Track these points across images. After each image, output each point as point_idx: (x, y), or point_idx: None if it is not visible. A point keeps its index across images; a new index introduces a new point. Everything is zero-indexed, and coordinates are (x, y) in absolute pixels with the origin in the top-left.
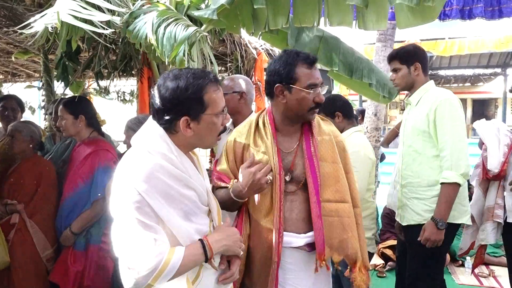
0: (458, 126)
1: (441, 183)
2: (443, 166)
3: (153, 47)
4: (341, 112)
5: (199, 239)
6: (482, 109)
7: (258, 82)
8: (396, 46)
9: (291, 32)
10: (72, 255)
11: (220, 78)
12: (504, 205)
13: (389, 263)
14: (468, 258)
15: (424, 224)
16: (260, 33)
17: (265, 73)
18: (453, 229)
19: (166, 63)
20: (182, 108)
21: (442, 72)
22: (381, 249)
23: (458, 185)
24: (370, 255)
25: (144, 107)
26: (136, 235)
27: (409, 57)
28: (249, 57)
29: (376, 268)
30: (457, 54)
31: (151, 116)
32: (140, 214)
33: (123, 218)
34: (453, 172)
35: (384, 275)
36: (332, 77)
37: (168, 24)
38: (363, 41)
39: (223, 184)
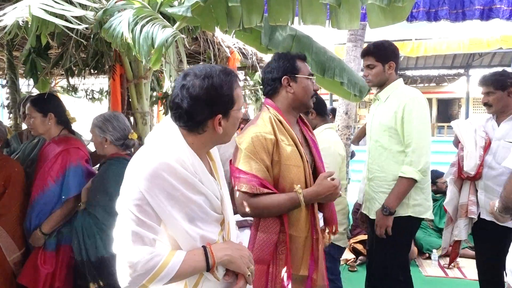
0: (424, 125)
1: (399, 176)
2: (404, 161)
3: (128, 46)
4: (315, 109)
5: (202, 246)
6: (446, 109)
7: None
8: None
9: (265, 31)
10: (42, 256)
11: None
12: (477, 201)
13: (360, 257)
14: (434, 250)
15: None
16: (233, 31)
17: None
18: (417, 223)
19: (143, 62)
20: (217, 106)
21: (409, 72)
22: (352, 244)
23: (414, 180)
24: (342, 249)
25: (117, 104)
26: (134, 233)
27: (385, 55)
28: (222, 56)
29: (347, 263)
30: (423, 55)
31: (168, 116)
32: (139, 213)
33: (123, 215)
34: (412, 167)
35: (355, 269)
36: None
37: (145, 24)
38: (334, 41)
39: (266, 190)
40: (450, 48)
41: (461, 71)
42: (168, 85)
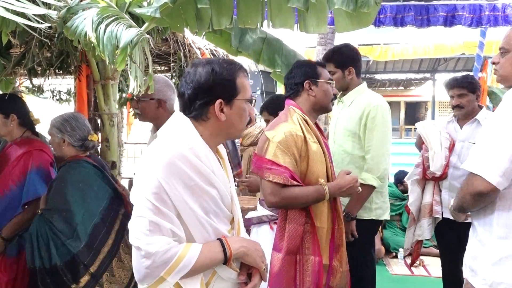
0: (384, 133)
1: (363, 184)
2: (364, 167)
3: (92, 45)
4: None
5: (218, 238)
6: (414, 111)
7: None
8: None
9: (235, 33)
10: (3, 263)
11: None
12: (441, 201)
13: None
14: (401, 249)
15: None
16: (204, 33)
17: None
18: (378, 224)
19: (107, 62)
20: (216, 90)
21: (378, 76)
22: None
23: (373, 187)
24: None
25: (83, 106)
26: (152, 222)
27: (344, 62)
28: (193, 57)
29: None
30: (391, 59)
31: (177, 110)
32: (156, 201)
33: (140, 204)
34: (371, 174)
35: None
36: (275, 78)
37: (109, 23)
38: (305, 45)
39: (295, 183)
40: (416, 53)
41: (428, 75)
42: (133, 86)
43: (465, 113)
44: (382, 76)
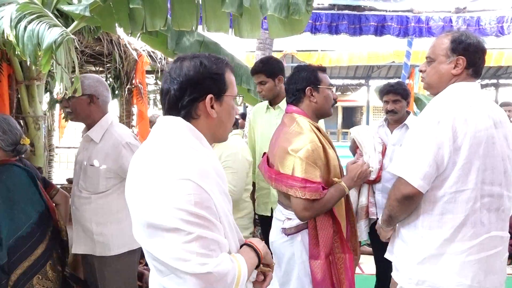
0: None
1: None
2: None
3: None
4: None
5: (245, 244)
6: (350, 116)
7: (139, 85)
8: (275, 55)
9: (171, 35)
10: None
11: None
12: (375, 202)
13: None
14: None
15: None
16: (139, 34)
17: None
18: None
19: (28, 63)
20: (206, 84)
21: None
22: None
23: None
24: None
25: (4, 107)
26: (212, 241)
27: (274, 71)
28: (129, 59)
29: None
30: (328, 65)
31: (162, 115)
32: (203, 210)
33: (175, 224)
34: None
35: None
36: None
37: (31, 21)
38: (245, 49)
39: (325, 192)
40: (351, 60)
41: (362, 81)
42: (58, 89)
43: (398, 118)
44: None
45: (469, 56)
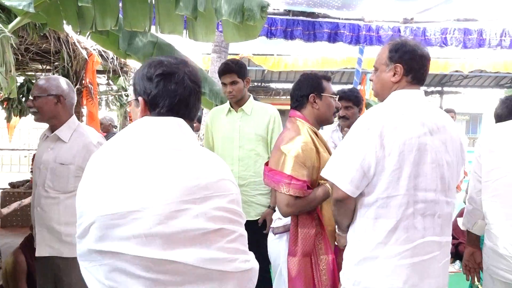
0: None
1: None
2: None
3: None
4: None
5: None
6: None
7: (90, 85)
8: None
9: (123, 36)
10: None
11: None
12: None
13: None
14: None
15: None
16: (88, 33)
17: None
18: None
19: None
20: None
21: (273, 85)
22: None
23: None
24: None
25: None
26: (243, 234)
27: (244, 72)
28: (78, 58)
29: None
30: (284, 70)
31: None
32: (239, 207)
33: (222, 220)
34: None
35: None
36: None
37: None
38: (201, 51)
39: (310, 191)
40: (306, 65)
41: None
42: None
43: (349, 124)
44: (277, 85)
45: (406, 63)
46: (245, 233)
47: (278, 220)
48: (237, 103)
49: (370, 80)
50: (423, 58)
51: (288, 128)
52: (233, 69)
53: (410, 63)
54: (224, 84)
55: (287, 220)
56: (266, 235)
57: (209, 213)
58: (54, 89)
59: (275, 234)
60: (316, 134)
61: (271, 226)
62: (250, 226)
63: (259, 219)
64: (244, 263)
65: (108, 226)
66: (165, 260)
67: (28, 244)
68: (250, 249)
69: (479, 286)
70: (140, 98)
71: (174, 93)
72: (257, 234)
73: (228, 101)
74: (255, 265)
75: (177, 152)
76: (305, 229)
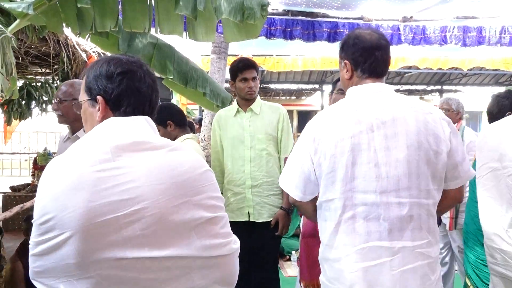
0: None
1: None
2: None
3: None
4: (173, 121)
5: None
6: (305, 120)
7: None
8: (230, 59)
9: (123, 37)
10: None
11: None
12: None
13: None
14: (293, 252)
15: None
16: (88, 35)
17: None
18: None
19: None
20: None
21: (272, 86)
22: None
23: None
24: None
25: None
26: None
27: (258, 69)
28: (78, 60)
29: None
30: (283, 70)
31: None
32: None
33: (216, 208)
34: None
35: None
36: (167, 85)
37: None
38: (200, 52)
39: None
40: (305, 65)
41: (317, 86)
42: None
43: None
44: (276, 86)
45: (351, 58)
46: (227, 215)
47: None
48: (246, 103)
49: None
50: (369, 49)
51: None
52: (254, 65)
53: (354, 57)
54: (245, 79)
55: None
56: (278, 236)
57: (204, 203)
58: (79, 93)
59: (297, 214)
60: None
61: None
62: (263, 227)
63: (271, 220)
64: (235, 243)
65: (94, 234)
66: (165, 257)
67: (24, 250)
68: (261, 249)
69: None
70: (99, 98)
71: (138, 91)
72: (269, 235)
73: (235, 102)
74: (238, 244)
75: (159, 151)
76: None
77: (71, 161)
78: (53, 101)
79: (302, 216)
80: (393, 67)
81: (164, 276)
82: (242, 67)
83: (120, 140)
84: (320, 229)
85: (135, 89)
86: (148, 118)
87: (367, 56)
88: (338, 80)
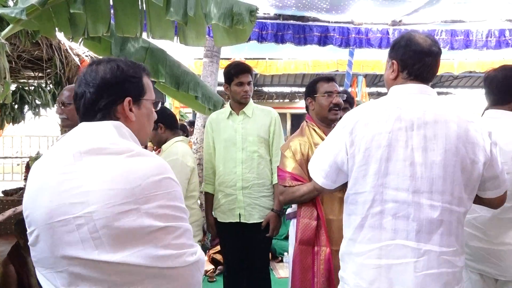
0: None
1: (275, 183)
2: (275, 168)
3: None
4: (163, 123)
5: None
6: (299, 122)
7: None
8: (223, 62)
9: (115, 41)
10: None
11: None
12: None
13: (219, 267)
14: (285, 253)
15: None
16: (81, 39)
17: None
18: None
19: None
20: (124, 87)
21: (265, 89)
22: (211, 254)
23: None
24: None
25: None
26: (188, 230)
27: (253, 73)
28: (70, 64)
29: (206, 274)
30: (276, 73)
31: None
32: (182, 203)
33: (167, 218)
34: None
35: (214, 279)
36: (160, 89)
37: None
38: (193, 56)
39: (299, 183)
40: (297, 68)
41: None
42: None
43: None
44: (269, 89)
45: (400, 59)
46: (189, 227)
47: (290, 208)
48: (239, 106)
49: None
50: (419, 53)
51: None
52: (250, 69)
53: (403, 58)
54: (240, 83)
55: (295, 207)
56: (269, 238)
57: (154, 212)
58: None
59: (286, 219)
60: (315, 130)
61: (286, 212)
62: (253, 228)
63: (262, 222)
64: (191, 256)
65: (56, 233)
66: (115, 262)
67: (16, 253)
68: (252, 250)
69: None
70: (128, 98)
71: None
72: (259, 236)
73: (228, 104)
74: (201, 256)
75: (117, 156)
76: (305, 220)
77: (44, 162)
78: (56, 106)
79: (299, 222)
80: (382, 70)
81: (120, 280)
82: (238, 71)
83: (83, 145)
84: (345, 223)
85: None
86: (118, 123)
87: (417, 60)
88: (317, 81)
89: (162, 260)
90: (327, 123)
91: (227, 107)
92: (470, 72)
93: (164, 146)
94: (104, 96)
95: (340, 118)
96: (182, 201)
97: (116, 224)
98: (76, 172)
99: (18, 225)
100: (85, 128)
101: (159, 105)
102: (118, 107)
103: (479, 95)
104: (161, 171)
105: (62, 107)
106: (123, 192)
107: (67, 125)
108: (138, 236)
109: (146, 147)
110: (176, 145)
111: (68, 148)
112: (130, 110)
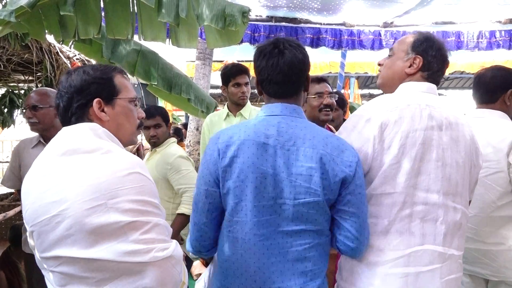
0: None
1: None
2: None
3: None
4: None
5: None
6: None
7: None
8: (215, 65)
9: (107, 44)
10: None
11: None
12: None
13: None
14: None
15: None
16: (71, 42)
17: None
18: None
19: None
20: (91, 89)
21: None
22: None
23: None
24: (191, 261)
25: None
26: (162, 225)
27: (249, 75)
28: (61, 67)
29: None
30: None
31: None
32: (153, 198)
33: (133, 213)
34: None
35: None
36: (152, 91)
37: None
38: (185, 59)
39: None
40: None
41: None
42: None
43: (335, 126)
44: None
45: (426, 58)
46: (161, 222)
47: None
48: (237, 107)
49: (379, 64)
50: (444, 61)
51: None
52: (246, 70)
53: (432, 59)
54: (237, 84)
55: None
56: None
57: (120, 207)
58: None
59: None
60: None
61: None
62: None
63: None
64: (162, 251)
65: (42, 232)
66: (91, 258)
67: (6, 260)
68: None
69: None
70: (97, 99)
71: None
72: None
73: (226, 106)
74: (176, 252)
75: (90, 154)
76: None
77: (32, 167)
78: (24, 110)
79: None
80: (375, 71)
81: (101, 276)
82: (235, 73)
83: (61, 147)
84: None
85: None
86: (93, 125)
87: (441, 67)
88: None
89: (131, 255)
90: (319, 124)
91: (224, 109)
92: (461, 73)
93: (158, 149)
94: (74, 100)
95: (332, 119)
96: (153, 195)
97: (86, 220)
98: (55, 173)
99: (11, 230)
100: (64, 132)
101: (137, 101)
102: (90, 110)
103: (470, 96)
104: (128, 167)
105: (33, 111)
106: (91, 187)
107: (37, 129)
108: (107, 231)
109: (140, 147)
110: (173, 145)
111: (49, 151)
112: (103, 111)
